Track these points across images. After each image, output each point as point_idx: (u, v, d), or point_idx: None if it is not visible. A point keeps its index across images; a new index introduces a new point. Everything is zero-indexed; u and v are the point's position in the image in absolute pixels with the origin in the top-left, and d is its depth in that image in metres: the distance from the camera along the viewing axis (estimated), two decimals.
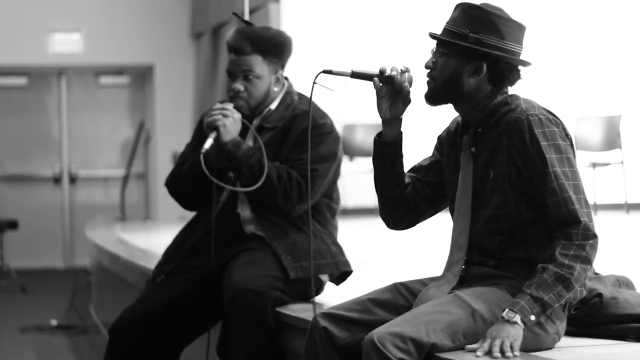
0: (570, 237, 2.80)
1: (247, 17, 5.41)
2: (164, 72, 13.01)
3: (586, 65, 10.80)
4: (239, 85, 3.83)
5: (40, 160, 13.56)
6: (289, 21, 10.58)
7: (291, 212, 3.81)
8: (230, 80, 3.85)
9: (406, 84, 3.01)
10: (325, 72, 3.02)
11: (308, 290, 3.87)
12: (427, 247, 6.32)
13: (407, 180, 3.14)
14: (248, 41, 3.80)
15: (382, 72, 3.02)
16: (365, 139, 10.52)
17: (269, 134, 3.86)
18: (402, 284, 3.06)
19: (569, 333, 3.03)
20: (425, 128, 5.69)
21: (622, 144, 9.60)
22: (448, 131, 3.14)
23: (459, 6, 2.97)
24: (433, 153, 3.18)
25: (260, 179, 3.73)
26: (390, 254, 6.54)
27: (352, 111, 10.14)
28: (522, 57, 2.96)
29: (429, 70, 2.98)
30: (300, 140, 3.81)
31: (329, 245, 3.87)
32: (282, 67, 3.89)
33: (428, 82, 2.98)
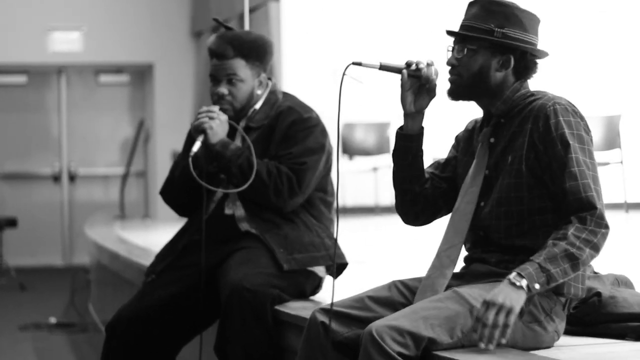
0: (584, 221, 2.79)
1: (247, 17, 5.43)
2: (163, 70, 13.02)
3: (586, 65, 10.81)
4: (223, 89, 3.85)
5: (39, 159, 13.56)
6: (289, 20, 10.58)
7: (284, 208, 3.82)
8: (213, 85, 3.89)
9: (433, 76, 3.04)
10: (354, 64, 3.01)
11: (306, 288, 3.88)
12: (425, 245, 6.32)
13: (426, 176, 3.15)
14: (230, 45, 3.83)
15: (409, 64, 3.04)
16: (365, 138, 10.52)
17: (255, 133, 3.88)
18: (400, 282, 3.07)
19: (568, 332, 3.03)
20: (443, 125, 5.70)
21: (621, 144, 9.60)
22: (466, 130, 3.17)
23: (476, 3, 2.99)
24: (450, 151, 3.20)
25: (250, 176, 3.74)
26: (389, 253, 6.54)
27: (351, 110, 10.14)
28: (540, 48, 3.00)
29: (451, 67, 2.99)
30: (286, 135, 3.84)
31: (323, 238, 3.87)
32: (265, 70, 3.92)
33: (452, 79, 2.99)
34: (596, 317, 3.09)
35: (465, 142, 3.14)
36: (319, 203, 3.93)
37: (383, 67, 3.05)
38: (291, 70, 10.00)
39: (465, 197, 3.02)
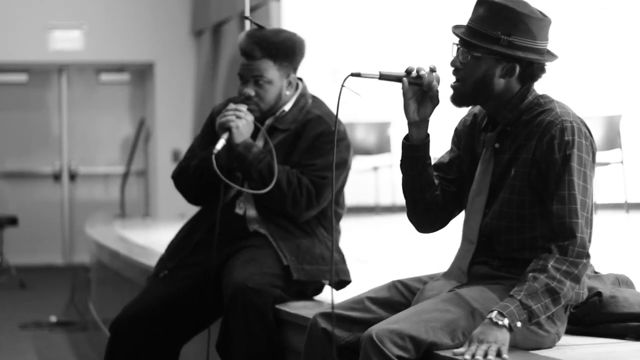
0: (565, 252, 2.77)
1: (247, 15, 5.41)
2: (164, 69, 13.01)
3: (586, 64, 10.80)
4: (250, 90, 3.81)
5: (40, 157, 13.56)
6: (289, 20, 10.57)
7: (298, 218, 3.81)
8: (241, 84, 3.84)
9: (435, 83, 2.96)
10: (353, 75, 2.93)
11: (308, 290, 3.88)
12: (425, 245, 6.32)
13: (436, 182, 3.07)
14: (258, 46, 3.78)
15: (409, 72, 2.96)
16: (366, 137, 10.51)
17: (281, 135, 3.85)
18: (400, 282, 3.06)
19: (568, 331, 3.02)
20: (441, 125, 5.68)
21: (622, 144, 9.60)
22: (464, 123, 3.10)
23: (483, 3, 2.90)
24: (451, 148, 3.13)
25: (269, 183, 3.72)
26: (389, 252, 6.54)
27: (353, 109, 10.13)
28: (548, 50, 2.92)
29: (454, 69, 2.93)
30: (312, 145, 3.80)
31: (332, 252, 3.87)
32: (295, 70, 3.87)
33: (454, 85, 2.93)
34: (597, 316, 3.09)
35: (467, 138, 3.07)
36: (331, 215, 3.92)
37: (383, 77, 2.97)
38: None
39: (474, 205, 2.99)
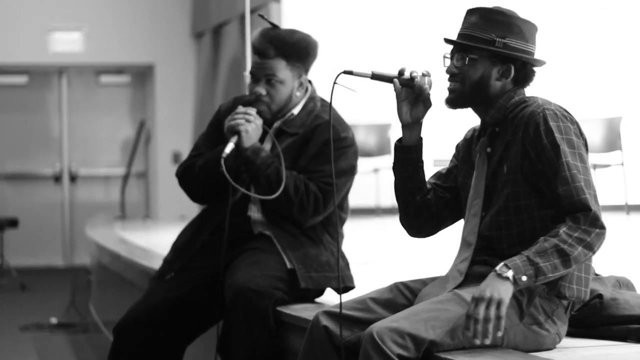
0: (577, 221, 2.78)
1: (248, 17, 5.40)
2: (164, 71, 13.02)
3: (586, 66, 10.80)
4: (262, 90, 3.80)
5: (40, 159, 13.57)
6: (290, 21, 10.58)
7: (304, 224, 3.81)
8: (252, 82, 3.83)
9: (426, 86, 3.00)
10: (345, 72, 2.98)
11: (310, 293, 3.88)
12: (428, 247, 6.33)
13: (428, 186, 3.13)
14: (272, 45, 3.76)
15: (401, 73, 3.00)
16: (367, 139, 10.52)
17: (289, 139, 3.84)
18: (403, 284, 3.07)
19: (569, 334, 3.03)
20: (443, 130, 5.69)
21: (622, 146, 9.61)
22: (465, 139, 3.16)
23: (475, 11, 2.96)
24: (451, 160, 3.18)
25: (277, 188, 3.71)
26: (391, 254, 6.54)
27: (353, 111, 10.14)
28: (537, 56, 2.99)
29: (450, 76, 2.97)
30: (321, 151, 3.79)
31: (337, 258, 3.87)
32: (306, 71, 3.86)
33: (452, 88, 2.97)
34: (597, 319, 3.09)
35: (465, 151, 3.12)
36: (336, 220, 3.92)
37: (375, 76, 3.00)
38: None
39: (472, 209, 3.01)
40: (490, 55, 2.93)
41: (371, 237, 8.17)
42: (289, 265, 3.75)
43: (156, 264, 4.06)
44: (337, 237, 3.75)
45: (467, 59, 2.94)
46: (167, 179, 12.37)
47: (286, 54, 3.77)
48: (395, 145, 3.10)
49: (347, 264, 3.95)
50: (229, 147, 3.71)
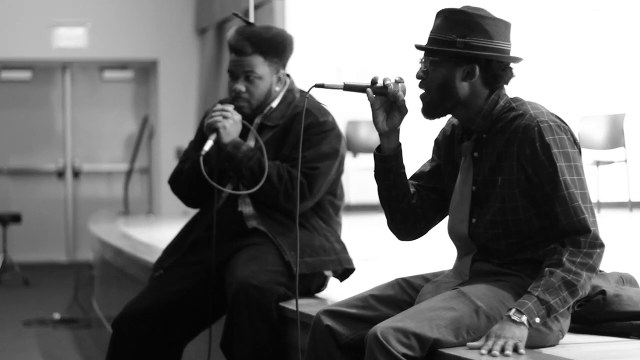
0: (578, 244, 2.79)
1: (252, 13, 5.40)
2: (168, 67, 13.02)
3: (590, 63, 10.79)
4: (241, 86, 3.82)
5: (43, 155, 13.58)
6: (294, 18, 10.58)
7: (294, 211, 3.81)
8: (231, 80, 3.85)
9: (400, 93, 2.97)
10: (317, 86, 3.01)
11: (311, 286, 3.89)
12: (429, 243, 6.33)
13: (412, 189, 3.10)
14: (249, 42, 3.79)
15: (374, 82, 2.99)
16: (369, 135, 10.52)
17: (270, 132, 3.87)
18: (404, 280, 3.07)
19: (572, 330, 3.03)
20: (420, 136, 5.69)
21: (625, 143, 9.60)
22: (444, 134, 3.12)
23: (440, 13, 2.95)
24: (432, 157, 3.15)
25: (260, 179, 3.74)
26: (393, 250, 6.54)
27: (356, 108, 10.14)
28: (512, 54, 2.93)
29: (420, 80, 2.95)
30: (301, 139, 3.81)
31: (332, 242, 3.88)
32: (284, 66, 3.89)
33: (422, 95, 2.95)
34: (600, 315, 3.09)
35: (446, 149, 3.09)
36: (329, 206, 3.93)
37: (347, 87, 3.00)
38: (295, 67, 10.01)
39: (458, 215, 3.00)
40: (453, 56, 2.89)
41: (376, 233, 8.16)
42: (286, 258, 3.76)
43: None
44: (332, 223, 3.74)
45: (430, 62, 2.92)
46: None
47: (263, 50, 3.80)
48: (375, 154, 3.09)
49: (344, 247, 3.94)
50: (208, 145, 3.74)
